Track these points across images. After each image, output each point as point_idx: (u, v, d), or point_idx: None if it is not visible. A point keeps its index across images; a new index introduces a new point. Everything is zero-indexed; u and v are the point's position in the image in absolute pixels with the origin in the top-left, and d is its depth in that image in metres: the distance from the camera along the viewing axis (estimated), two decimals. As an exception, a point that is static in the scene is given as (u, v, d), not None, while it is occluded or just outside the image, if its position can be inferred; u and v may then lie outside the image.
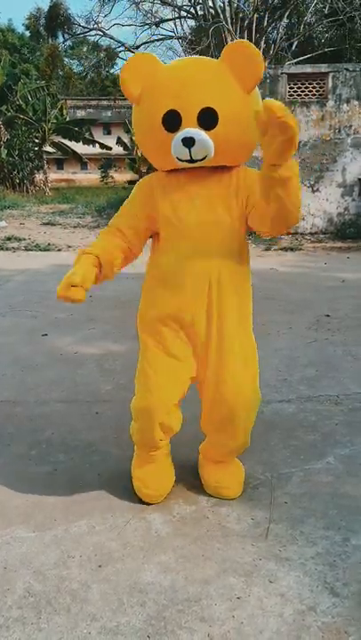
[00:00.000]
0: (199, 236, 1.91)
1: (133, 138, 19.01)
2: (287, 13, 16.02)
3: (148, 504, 2.15)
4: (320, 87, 9.64)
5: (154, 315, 2.03)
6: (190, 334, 2.01)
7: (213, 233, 1.91)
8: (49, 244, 9.25)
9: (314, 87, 9.67)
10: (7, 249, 8.89)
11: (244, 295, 2.08)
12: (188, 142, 1.78)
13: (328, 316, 4.79)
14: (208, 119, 1.78)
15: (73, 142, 22.79)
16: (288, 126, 1.45)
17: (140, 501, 2.17)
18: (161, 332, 2.01)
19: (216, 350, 2.00)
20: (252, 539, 1.96)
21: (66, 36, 22.12)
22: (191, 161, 1.83)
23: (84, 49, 29.92)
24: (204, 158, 1.83)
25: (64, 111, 23.98)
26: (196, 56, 2.11)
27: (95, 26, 18.34)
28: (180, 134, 1.78)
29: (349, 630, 1.57)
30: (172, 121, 1.80)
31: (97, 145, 22.88)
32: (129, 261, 2.07)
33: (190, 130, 1.77)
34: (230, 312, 1.99)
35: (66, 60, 36.80)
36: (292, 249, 8.76)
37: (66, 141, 22.78)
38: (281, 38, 16.84)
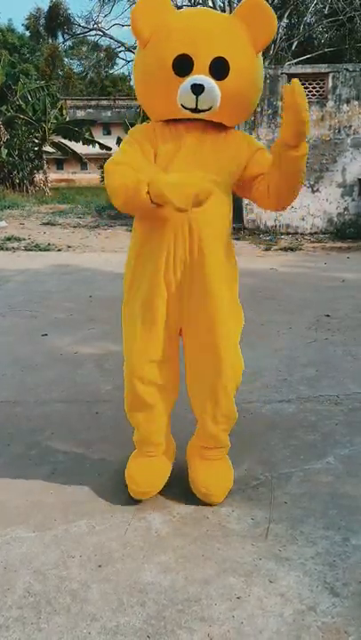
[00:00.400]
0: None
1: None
2: (287, 13, 16.04)
3: (133, 499, 2.15)
4: (320, 87, 9.64)
5: (136, 266, 1.99)
6: (172, 280, 1.93)
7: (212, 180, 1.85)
8: (49, 244, 9.24)
9: (314, 87, 9.67)
10: (7, 249, 8.89)
11: (229, 256, 2.03)
12: (197, 89, 1.75)
13: (328, 315, 4.79)
14: (220, 69, 1.77)
15: (73, 142, 22.80)
16: (300, 110, 1.61)
17: (140, 502, 2.17)
18: (142, 290, 1.96)
19: (202, 297, 1.94)
20: (251, 539, 1.96)
21: (66, 36, 22.17)
22: (195, 110, 1.81)
23: (84, 49, 29.94)
24: (209, 109, 1.81)
25: (64, 111, 23.99)
26: (208, 8, 2.12)
27: (95, 26, 18.38)
28: (191, 79, 1.76)
29: (349, 630, 1.57)
30: (183, 65, 1.77)
31: (97, 145, 22.89)
32: None
33: (201, 77, 1.76)
34: (216, 266, 1.93)
35: (66, 60, 36.79)
36: (292, 249, 8.76)
37: (66, 141, 22.78)
38: (281, 38, 16.85)
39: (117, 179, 1.79)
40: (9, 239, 9.66)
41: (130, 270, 2.05)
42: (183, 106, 1.81)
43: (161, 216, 1.84)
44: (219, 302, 1.95)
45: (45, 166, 22.12)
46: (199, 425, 2.19)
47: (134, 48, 17.89)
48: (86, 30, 19.56)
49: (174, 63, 1.77)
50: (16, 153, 20.46)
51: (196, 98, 1.77)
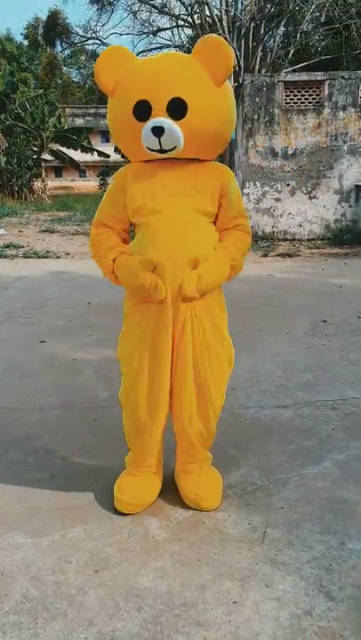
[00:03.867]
0: (170, 222, 1.90)
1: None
2: (284, 22, 16.16)
3: (120, 513, 2.14)
4: (316, 95, 9.71)
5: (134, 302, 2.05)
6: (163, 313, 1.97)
7: (181, 221, 1.91)
8: (47, 252, 9.27)
9: (310, 95, 9.74)
10: (6, 256, 8.91)
11: (215, 295, 2.08)
12: (158, 131, 1.81)
13: (325, 321, 4.80)
14: (177, 109, 1.81)
15: (71, 150, 22.88)
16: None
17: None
18: (140, 323, 2.01)
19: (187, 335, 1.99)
20: (248, 543, 1.97)
21: (64, 44, 22.28)
22: (161, 151, 1.87)
23: (83, 57, 30.11)
24: (173, 148, 1.86)
25: (62, 119, 24.09)
26: (169, 51, 2.19)
27: (93, 35, 18.48)
28: (150, 123, 1.82)
29: (345, 634, 1.58)
30: (142, 111, 1.84)
31: (95, 152, 22.97)
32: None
33: (159, 119, 1.81)
34: (202, 311, 2.00)
35: (64, 68, 37.00)
36: (289, 255, 8.79)
37: (64, 149, 22.86)
38: (278, 46, 16.97)
39: (94, 254, 2.11)
40: (7, 246, 9.68)
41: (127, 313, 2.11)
42: (149, 148, 1.88)
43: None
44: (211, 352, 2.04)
45: (44, 174, 22.18)
46: (177, 442, 2.22)
47: (132, 57, 18.00)
48: (84, 39, 19.68)
49: (134, 109, 1.85)
50: (15, 161, 20.52)
51: (159, 139, 1.83)
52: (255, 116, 9.79)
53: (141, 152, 1.91)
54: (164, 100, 1.81)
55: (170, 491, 2.26)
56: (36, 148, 21.71)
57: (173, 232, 1.89)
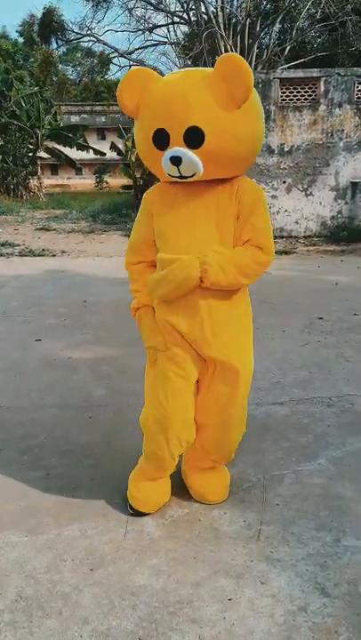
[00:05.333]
0: (188, 249, 1.91)
1: (127, 144, 19.04)
2: (280, 18, 16.12)
3: (141, 513, 2.14)
4: (312, 92, 9.70)
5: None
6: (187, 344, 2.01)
7: (202, 245, 1.90)
8: (43, 250, 9.25)
9: (306, 92, 9.73)
10: (1, 255, 8.89)
11: (239, 303, 2.11)
12: (176, 161, 1.81)
13: (321, 318, 4.81)
14: (194, 138, 1.79)
15: (67, 148, 22.83)
16: None
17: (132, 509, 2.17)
18: (170, 348, 2.02)
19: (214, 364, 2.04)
20: (243, 540, 1.97)
21: (59, 42, 22.18)
22: (182, 177, 1.86)
23: (78, 55, 30.01)
24: (193, 174, 1.85)
25: (58, 117, 24.03)
26: (191, 68, 2.06)
27: (88, 32, 18.41)
28: (168, 153, 1.82)
29: (340, 630, 1.58)
30: (160, 139, 1.83)
31: (91, 150, 22.93)
32: None
33: (177, 149, 1.80)
34: (224, 320, 2.02)
35: (60, 66, 36.88)
36: (286, 252, 8.79)
37: (60, 147, 22.81)
38: (274, 43, 16.93)
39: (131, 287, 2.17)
40: (3, 245, 9.66)
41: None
42: (169, 174, 1.88)
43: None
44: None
45: (40, 172, 22.13)
46: (200, 458, 2.22)
47: (128, 53, 17.88)
48: (80, 36, 19.56)
49: (153, 138, 1.85)
50: (10, 159, 20.48)
51: (178, 168, 1.83)
52: (251, 114, 9.77)
53: (164, 176, 1.93)
54: (180, 129, 1.79)
55: (165, 488, 2.26)
56: (31, 146, 21.67)
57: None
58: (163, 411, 2.01)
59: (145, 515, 2.12)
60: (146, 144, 1.90)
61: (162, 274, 1.92)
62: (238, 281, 1.96)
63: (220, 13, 15.52)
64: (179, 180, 1.90)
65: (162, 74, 2.09)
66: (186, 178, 1.86)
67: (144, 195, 2.12)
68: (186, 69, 2.03)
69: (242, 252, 1.95)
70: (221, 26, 15.14)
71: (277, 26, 16.59)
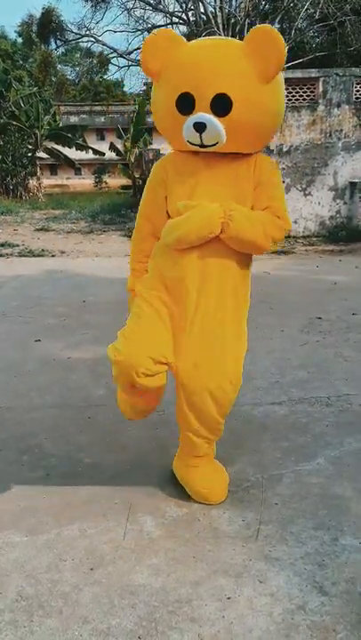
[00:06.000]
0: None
1: (126, 144, 19.06)
2: (278, 19, 16.13)
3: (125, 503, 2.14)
4: (311, 92, 9.71)
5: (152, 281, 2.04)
6: (179, 306, 1.98)
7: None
8: (42, 250, 9.25)
9: (305, 92, 9.74)
10: (1, 255, 8.89)
11: (241, 288, 2.09)
12: (200, 127, 1.77)
13: (320, 318, 4.82)
14: (221, 105, 1.76)
15: (66, 148, 22.82)
16: None
17: (132, 506, 2.18)
18: (156, 298, 2.00)
19: (199, 328, 1.99)
20: (242, 540, 1.98)
21: (58, 42, 22.16)
22: (202, 146, 1.83)
23: (77, 55, 29.99)
24: (215, 144, 1.82)
25: (57, 117, 24.01)
26: (220, 37, 2.05)
27: (87, 32, 18.41)
28: (192, 118, 1.78)
29: (338, 628, 1.59)
30: (185, 104, 1.79)
31: (90, 150, 22.92)
32: None
33: (202, 115, 1.77)
34: (224, 298, 2.00)
35: (59, 66, 36.86)
36: (284, 252, 8.80)
37: (59, 147, 22.80)
38: (272, 43, 16.89)
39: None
40: (2, 245, 9.66)
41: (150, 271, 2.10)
42: (190, 142, 1.84)
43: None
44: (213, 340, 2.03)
45: (39, 172, 22.12)
46: (181, 437, 2.20)
47: (127, 54, 17.84)
48: (79, 37, 19.56)
49: (177, 102, 1.80)
50: (9, 159, 20.46)
51: (200, 135, 1.79)
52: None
53: (183, 144, 1.88)
54: (208, 95, 1.76)
55: (164, 488, 2.27)
56: (30, 147, 21.64)
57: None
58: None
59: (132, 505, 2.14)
60: (167, 107, 1.84)
61: (182, 217, 1.86)
62: (261, 238, 1.91)
63: (218, 14, 15.53)
64: (196, 150, 1.86)
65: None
66: (206, 147, 1.83)
67: (156, 163, 2.07)
68: (215, 37, 2.01)
69: (264, 214, 1.95)
70: (220, 26, 15.15)
71: (276, 26, 16.57)
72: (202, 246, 1.91)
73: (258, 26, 1.82)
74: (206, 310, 1.97)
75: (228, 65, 1.78)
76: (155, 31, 1.91)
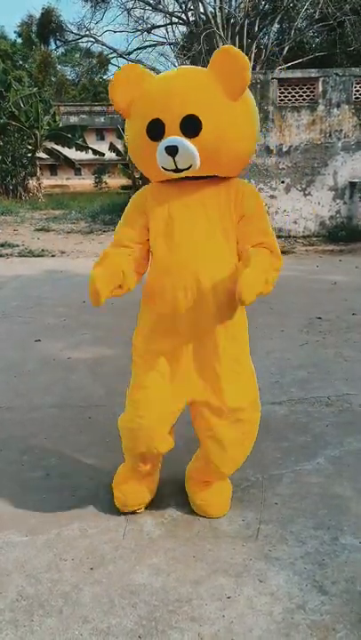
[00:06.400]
0: (188, 249, 1.88)
1: (126, 144, 19.05)
2: (278, 19, 16.13)
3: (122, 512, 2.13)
4: (311, 92, 9.72)
5: (146, 342, 2.01)
6: (180, 354, 1.98)
7: (203, 246, 1.87)
8: (42, 250, 9.26)
9: (304, 92, 9.75)
10: (1, 255, 8.90)
11: (237, 318, 2.07)
12: (172, 150, 1.77)
13: (320, 318, 4.82)
14: (191, 126, 1.76)
15: (66, 148, 22.83)
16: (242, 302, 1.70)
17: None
18: (155, 355, 1.98)
19: (207, 371, 1.98)
20: (242, 539, 1.99)
21: (58, 42, 22.16)
22: (177, 170, 1.82)
23: (77, 55, 30.00)
24: (189, 167, 1.81)
25: (57, 117, 24.03)
26: (186, 66, 2.04)
27: (87, 32, 18.41)
28: (163, 142, 1.78)
29: (337, 627, 1.60)
30: (155, 130, 1.80)
31: (90, 151, 22.93)
32: (142, 270, 2.03)
33: (173, 138, 1.77)
34: (219, 329, 1.98)
35: (59, 66, 36.86)
36: (284, 252, 8.80)
37: (59, 147, 22.81)
38: (272, 43, 16.94)
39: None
40: (2, 245, 9.67)
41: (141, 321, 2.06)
42: (164, 168, 1.83)
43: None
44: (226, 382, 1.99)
45: (39, 172, 22.13)
46: (203, 473, 2.16)
47: (127, 54, 17.86)
48: (78, 37, 19.55)
49: (148, 129, 1.81)
50: (9, 159, 20.48)
51: (173, 159, 1.78)
52: (249, 114, 9.79)
53: (158, 172, 1.88)
54: (176, 117, 1.77)
55: (164, 488, 2.27)
56: (30, 147, 21.65)
57: (183, 266, 1.88)
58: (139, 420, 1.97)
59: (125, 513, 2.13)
60: (139, 137, 1.85)
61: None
62: (264, 289, 1.83)
63: (218, 14, 15.53)
64: (173, 176, 1.85)
65: (159, 73, 2.08)
66: (181, 171, 1.82)
67: (137, 192, 2.05)
68: (181, 67, 2.02)
69: (265, 259, 1.87)
70: (220, 26, 15.16)
71: (276, 26, 16.61)
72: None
73: (219, 48, 1.85)
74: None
75: (194, 88, 1.80)
76: (117, 70, 1.93)
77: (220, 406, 1.96)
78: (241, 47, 15.61)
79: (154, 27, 18.37)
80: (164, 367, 1.97)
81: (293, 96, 9.79)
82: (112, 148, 23.28)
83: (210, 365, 1.97)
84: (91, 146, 23.75)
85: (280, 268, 1.96)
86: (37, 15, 21.27)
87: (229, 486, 2.24)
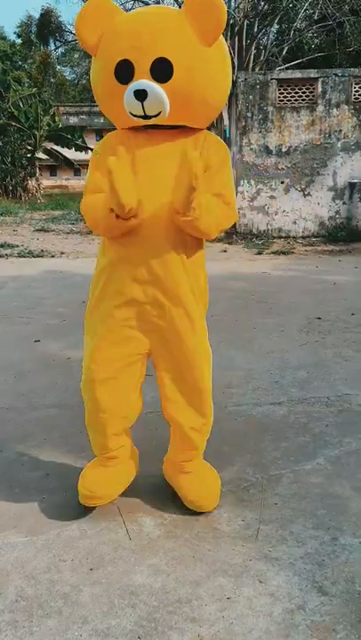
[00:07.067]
0: (152, 200, 1.78)
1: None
2: (277, 19, 16.14)
3: (85, 507, 2.12)
4: (310, 92, 9.72)
5: (105, 298, 1.95)
6: (142, 311, 1.92)
7: (167, 197, 1.76)
8: (42, 251, 9.25)
9: (304, 92, 9.76)
10: (0, 256, 8.89)
11: (197, 265, 1.97)
12: (140, 95, 1.67)
13: (319, 318, 4.82)
14: (162, 70, 1.67)
15: (65, 149, 22.82)
16: (190, 176, 1.58)
17: (132, 506, 2.18)
18: (112, 315, 1.92)
19: (170, 323, 1.92)
20: (242, 540, 1.98)
21: (57, 43, 22.20)
22: (145, 117, 1.73)
23: (76, 56, 30.02)
24: (159, 114, 1.73)
25: (56, 118, 24.02)
26: (158, 5, 1.92)
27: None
28: (132, 86, 1.68)
29: (337, 628, 1.59)
30: (124, 72, 1.69)
31: (89, 151, 22.92)
32: None
33: (142, 81, 1.67)
34: (182, 281, 1.90)
35: (58, 67, 36.86)
36: (284, 252, 8.81)
37: (58, 148, 22.81)
38: (271, 44, 16.95)
39: (88, 216, 1.87)
40: (2, 246, 9.66)
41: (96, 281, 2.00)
42: (132, 113, 1.74)
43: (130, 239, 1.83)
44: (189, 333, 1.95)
45: (38, 173, 22.12)
46: (173, 437, 2.17)
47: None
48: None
49: (116, 71, 1.71)
50: (9, 160, 20.47)
51: (142, 104, 1.69)
52: (249, 114, 9.80)
53: (125, 118, 1.78)
54: (147, 60, 1.66)
55: (164, 488, 2.27)
56: (30, 147, 21.65)
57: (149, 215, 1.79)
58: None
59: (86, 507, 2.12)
60: (106, 79, 1.74)
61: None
62: (213, 230, 1.84)
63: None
64: (141, 122, 1.77)
65: None
66: (150, 118, 1.73)
67: (103, 141, 1.94)
68: (152, 5, 1.94)
69: (218, 204, 1.85)
70: (219, 27, 15.14)
71: (275, 27, 16.63)
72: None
73: None
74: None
75: (167, 30, 1.68)
76: (87, 3, 1.78)
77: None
78: (240, 48, 15.63)
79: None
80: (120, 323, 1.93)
81: (293, 96, 9.80)
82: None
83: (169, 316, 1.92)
84: (90, 146, 23.73)
85: (232, 220, 1.94)
86: (37, 16, 21.29)
87: (217, 476, 2.19)
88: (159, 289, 1.88)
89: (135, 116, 1.75)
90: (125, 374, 2.00)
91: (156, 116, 1.74)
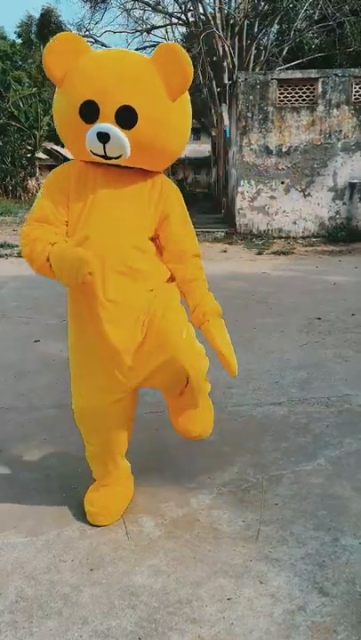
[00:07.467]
0: (103, 237, 1.81)
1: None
2: (277, 19, 16.16)
3: (93, 525, 2.09)
4: (310, 92, 9.73)
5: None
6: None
7: (121, 231, 1.82)
8: (42, 251, 9.24)
9: (304, 92, 9.76)
10: (0, 256, 8.89)
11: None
12: (103, 137, 1.71)
13: (319, 319, 4.82)
14: (126, 117, 1.71)
15: (65, 149, 22.83)
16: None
17: (132, 506, 2.18)
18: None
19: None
20: (242, 540, 1.98)
21: (57, 43, 22.13)
22: (105, 157, 1.77)
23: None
24: (119, 157, 1.77)
25: (56, 118, 24.01)
26: (127, 49, 1.94)
27: (86, 33, 18.44)
28: (95, 128, 1.71)
29: (338, 629, 1.59)
30: (89, 112, 1.72)
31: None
32: None
33: (106, 125, 1.70)
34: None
35: (58, 67, 36.79)
36: (284, 253, 8.80)
37: (58, 148, 22.81)
38: (272, 44, 16.98)
39: (27, 249, 1.87)
40: (2, 246, 9.66)
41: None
42: (92, 152, 1.78)
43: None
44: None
45: (38, 172, 22.13)
46: (178, 405, 2.09)
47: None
48: (78, 37, 19.61)
49: (81, 109, 1.73)
50: (9, 160, 20.48)
51: (104, 146, 1.73)
52: (249, 114, 9.80)
53: (84, 153, 1.81)
54: (113, 106, 1.70)
55: (164, 488, 2.27)
56: (29, 147, 21.66)
57: (100, 248, 1.80)
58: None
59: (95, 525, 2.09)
60: (70, 115, 1.76)
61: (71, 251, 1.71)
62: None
63: (217, 14, 15.55)
64: (100, 161, 1.80)
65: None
66: (110, 159, 1.77)
67: (58, 169, 1.95)
68: (120, 49, 1.96)
69: (199, 279, 2.00)
70: (219, 27, 15.17)
71: (275, 27, 16.66)
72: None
73: (165, 43, 1.80)
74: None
75: (134, 77, 1.74)
76: (57, 35, 1.81)
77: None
78: (241, 48, 15.66)
79: (153, 27, 18.42)
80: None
81: (293, 97, 9.80)
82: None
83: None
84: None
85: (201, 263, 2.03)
86: (37, 15, 21.29)
87: (210, 406, 2.16)
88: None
89: (96, 154, 1.79)
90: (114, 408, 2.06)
91: (116, 158, 1.78)
